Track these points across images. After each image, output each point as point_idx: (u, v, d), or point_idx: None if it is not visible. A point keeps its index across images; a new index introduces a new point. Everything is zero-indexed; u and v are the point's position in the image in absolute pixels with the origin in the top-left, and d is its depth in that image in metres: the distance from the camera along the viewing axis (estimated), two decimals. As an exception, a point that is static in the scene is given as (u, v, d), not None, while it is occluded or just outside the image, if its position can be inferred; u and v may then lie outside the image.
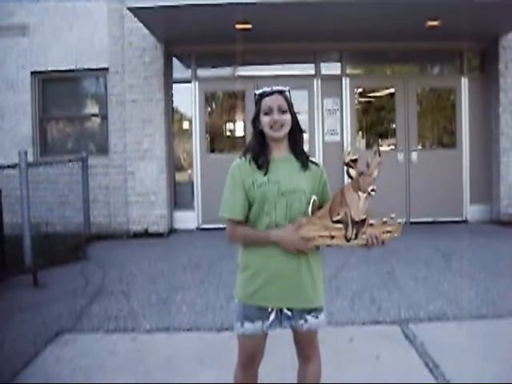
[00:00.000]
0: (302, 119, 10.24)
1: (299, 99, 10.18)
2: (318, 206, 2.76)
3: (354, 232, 2.62)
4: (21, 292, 6.31)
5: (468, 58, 10.59)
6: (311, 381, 2.92)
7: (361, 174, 2.56)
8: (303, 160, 2.76)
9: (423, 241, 8.57)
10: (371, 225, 2.65)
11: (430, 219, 10.26)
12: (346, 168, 2.59)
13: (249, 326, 2.77)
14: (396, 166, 10.29)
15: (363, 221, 2.62)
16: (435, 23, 8.84)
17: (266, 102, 2.72)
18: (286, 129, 2.72)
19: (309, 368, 2.93)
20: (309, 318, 2.76)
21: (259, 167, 2.71)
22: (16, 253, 7.08)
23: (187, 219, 10.29)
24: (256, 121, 2.78)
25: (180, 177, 10.77)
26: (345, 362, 4.17)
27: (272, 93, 2.73)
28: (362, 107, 10.98)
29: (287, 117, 2.71)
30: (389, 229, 2.67)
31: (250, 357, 2.87)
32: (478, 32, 9.66)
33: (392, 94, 10.69)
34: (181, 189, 10.65)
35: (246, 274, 2.79)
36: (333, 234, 2.62)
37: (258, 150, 2.75)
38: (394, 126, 10.73)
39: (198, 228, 10.25)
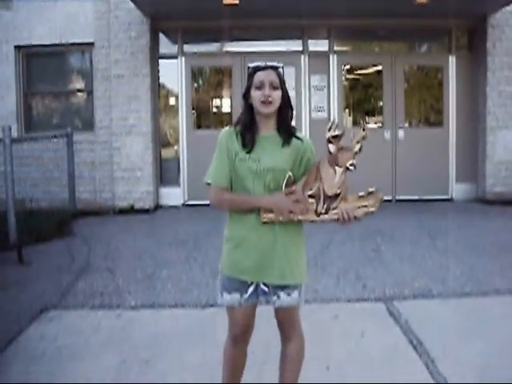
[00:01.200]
0: (290, 95, 10.17)
1: (286, 75, 9.97)
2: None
3: (325, 207, 2.60)
4: (5, 269, 6.26)
5: (456, 37, 10.56)
6: (291, 361, 2.91)
7: (341, 149, 2.52)
8: (285, 136, 2.72)
9: (409, 219, 8.61)
10: (346, 200, 2.61)
11: (415, 197, 10.29)
12: (327, 144, 2.54)
13: (226, 297, 2.78)
14: (382, 144, 10.29)
15: (337, 195, 2.59)
16: (424, 0, 8.78)
17: (259, 76, 2.66)
18: (276, 105, 2.67)
19: (289, 348, 2.91)
20: (281, 294, 2.74)
21: (244, 144, 2.69)
22: (0, 229, 7.03)
23: (173, 195, 10.27)
24: (247, 95, 2.73)
25: (166, 153, 10.72)
26: (329, 339, 4.19)
27: (265, 68, 2.68)
28: (350, 84, 10.95)
29: (278, 93, 2.67)
30: (364, 203, 2.61)
31: (240, 329, 2.86)
32: (466, 10, 9.63)
33: (379, 72, 10.66)
34: (167, 165, 10.61)
35: (229, 246, 2.80)
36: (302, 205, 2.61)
37: (247, 127, 2.72)
38: (381, 103, 10.72)
39: (183, 204, 10.23)
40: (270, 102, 2.64)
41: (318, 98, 10.40)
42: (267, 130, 2.73)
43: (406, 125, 10.64)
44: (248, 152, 2.66)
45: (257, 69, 2.69)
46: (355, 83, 11.05)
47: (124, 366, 3.80)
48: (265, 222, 2.64)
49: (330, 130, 2.53)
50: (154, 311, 4.93)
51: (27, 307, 4.96)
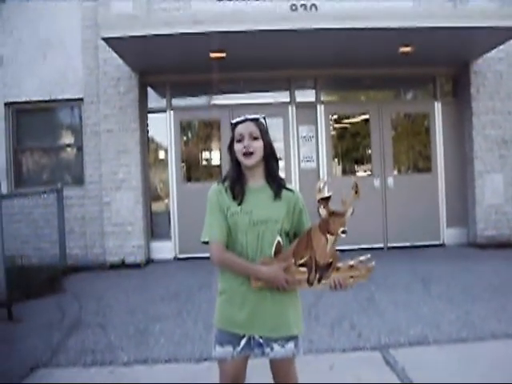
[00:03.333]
0: (278, 147, 10.22)
1: (274, 127, 10.20)
2: (294, 234, 2.77)
3: (318, 277, 2.59)
4: (-5, 326, 6.19)
5: (440, 83, 10.75)
6: None
7: (332, 213, 2.49)
8: (276, 189, 2.74)
9: (402, 265, 8.59)
10: (337, 269, 2.61)
11: (407, 244, 10.28)
12: (317, 206, 2.52)
13: (219, 350, 2.78)
14: (372, 192, 10.33)
15: (329, 264, 2.58)
16: (408, 49, 8.96)
17: (238, 129, 2.74)
18: (258, 156, 2.71)
19: None
20: (275, 346, 2.73)
21: (234, 197, 2.70)
22: (-10, 286, 6.96)
23: (164, 249, 10.22)
24: (231, 149, 2.77)
25: (156, 207, 10.71)
26: (326, 389, 4.14)
27: (244, 120, 2.74)
28: (338, 134, 11.04)
29: (258, 144, 2.71)
30: (356, 273, 2.63)
31: (229, 381, 2.82)
32: (449, 58, 9.86)
33: (367, 120, 10.78)
34: (157, 219, 10.58)
35: (221, 299, 2.81)
36: (296, 277, 2.59)
37: (234, 179, 2.75)
38: (369, 151, 10.79)
39: (175, 258, 10.18)
40: (251, 153, 2.68)
41: (306, 149, 10.47)
42: (256, 182, 2.76)
43: (395, 172, 10.71)
44: (239, 204, 2.68)
45: (237, 123, 2.76)
46: (343, 132, 11.14)
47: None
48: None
49: (319, 191, 2.51)
50: (147, 366, 4.85)
51: (17, 365, 4.87)
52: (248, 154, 2.68)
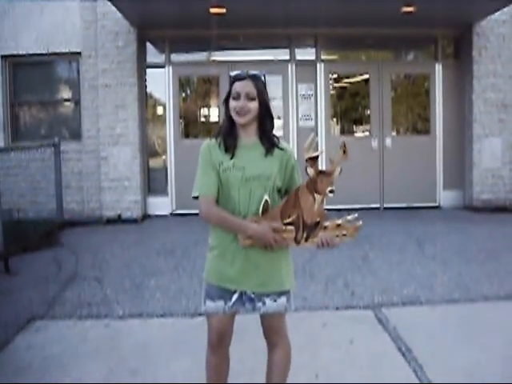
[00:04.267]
0: (277, 104, 10.23)
1: (274, 84, 10.15)
2: (285, 191, 2.77)
3: (305, 235, 2.59)
4: (-8, 279, 6.24)
5: (442, 45, 10.64)
6: (278, 368, 2.91)
7: (319, 173, 2.48)
8: (267, 146, 2.73)
9: (397, 226, 8.63)
10: (325, 227, 2.61)
11: (403, 205, 10.31)
12: (305, 165, 2.51)
13: (210, 305, 2.79)
14: (370, 152, 10.33)
15: (317, 223, 2.58)
16: (410, 9, 8.85)
17: (236, 87, 2.69)
18: (251, 115, 2.68)
19: (275, 355, 2.91)
20: (267, 300, 2.74)
21: (227, 151, 2.70)
22: (-13, 239, 6.99)
23: (161, 205, 10.24)
24: (227, 103, 2.75)
25: (154, 162, 10.70)
26: (318, 346, 4.19)
27: (243, 78, 2.69)
28: (337, 93, 10.99)
29: (253, 104, 2.67)
30: (343, 232, 2.63)
31: (218, 336, 2.85)
32: (452, 19, 9.72)
33: (367, 80, 10.70)
34: (154, 174, 10.59)
35: (213, 254, 2.82)
36: (283, 235, 2.60)
37: (227, 133, 2.74)
38: (368, 112, 10.75)
39: (171, 214, 10.20)
40: (245, 113, 2.65)
41: (305, 107, 10.42)
42: (248, 138, 2.75)
43: (394, 133, 10.68)
44: (231, 158, 2.68)
45: (236, 78, 2.72)
46: (342, 92, 11.09)
47: (112, 376, 3.78)
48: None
49: (308, 150, 2.50)
50: (142, 321, 4.91)
51: (14, 317, 4.92)
52: (242, 114, 2.67)
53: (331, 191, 2.47)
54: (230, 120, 2.75)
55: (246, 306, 2.78)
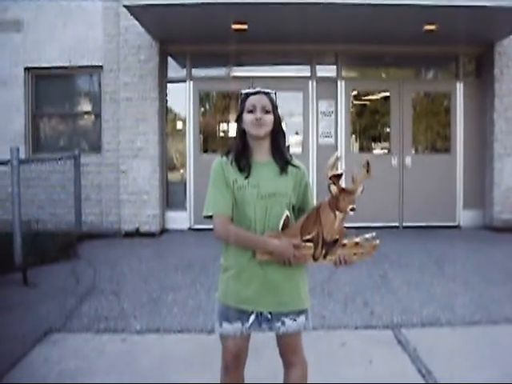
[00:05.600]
0: (297, 121, 10.25)
1: (294, 101, 10.18)
2: (298, 209, 2.75)
3: (323, 253, 2.58)
4: (10, 290, 6.24)
5: (463, 63, 10.57)
6: None
7: (342, 190, 2.48)
8: (282, 164, 2.71)
9: (416, 245, 8.56)
10: (343, 245, 2.60)
11: (422, 224, 10.22)
12: (327, 183, 2.50)
13: (227, 327, 2.75)
14: (390, 170, 10.27)
15: (335, 241, 2.57)
16: (432, 27, 8.82)
17: (251, 100, 2.69)
18: (267, 128, 2.68)
19: (292, 375, 2.87)
20: (286, 320, 2.71)
21: (240, 170, 2.68)
22: (6, 250, 7.01)
23: (179, 219, 10.23)
24: (239, 120, 2.75)
25: (173, 176, 10.71)
26: (337, 366, 4.14)
27: (257, 92, 2.72)
28: (357, 110, 10.96)
29: (270, 117, 2.68)
30: (361, 251, 2.62)
31: (233, 358, 2.83)
32: (473, 37, 9.67)
33: (387, 98, 10.67)
34: (173, 188, 10.59)
35: (227, 276, 2.79)
36: (302, 252, 2.58)
37: (240, 152, 2.72)
38: (388, 129, 10.71)
39: (190, 228, 10.19)
40: (262, 125, 2.64)
41: (325, 124, 10.39)
42: (261, 156, 2.74)
43: (413, 151, 10.61)
44: (246, 177, 2.65)
45: (249, 94, 2.73)
46: (362, 109, 11.06)
47: (128, 392, 3.76)
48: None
49: (332, 168, 2.49)
50: (159, 336, 4.89)
51: (31, 329, 4.93)
52: (259, 125, 2.65)
53: (352, 209, 2.48)
54: (242, 138, 2.74)
55: (262, 327, 2.74)
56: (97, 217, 10.14)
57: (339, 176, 2.49)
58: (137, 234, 9.75)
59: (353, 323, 5.11)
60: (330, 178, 2.48)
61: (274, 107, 2.72)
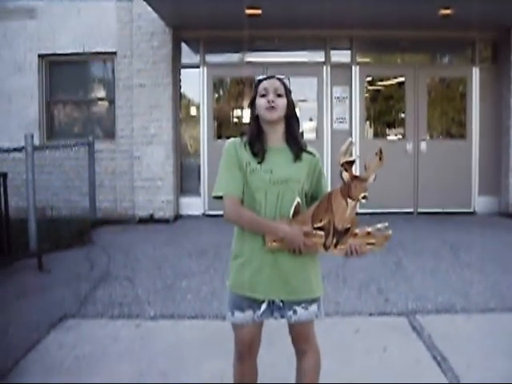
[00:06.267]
0: (311, 107, 10.20)
1: (308, 86, 10.13)
2: (311, 196, 2.72)
3: (334, 242, 2.54)
4: (25, 276, 6.28)
5: (480, 48, 10.47)
6: (308, 376, 2.85)
7: (354, 178, 2.43)
8: (296, 151, 2.68)
9: (431, 232, 8.51)
10: (355, 234, 2.56)
11: (437, 210, 10.17)
12: (340, 169, 2.45)
13: (239, 315, 2.74)
14: (404, 156, 10.21)
15: (347, 230, 2.53)
16: (448, 12, 8.72)
17: (264, 84, 2.67)
18: (281, 112, 2.65)
19: (305, 364, 2.86)
20: (298, 309, 2.69)
21: (254, 154, 2.65)
22: (21, 237, 7.04)
23: (193, 205, 10.24)
24: (253, 105, 2.72)
25: (187, 162, 10.70)
26: (351, 353, 4.13)
27: (270, 77, 2.70)
28: (371, 96, 10.89)
29: (283, 100, 2.65)
30: (372, 241, 2.57)
31: (246, 346, 2.83)
32: (490, 21, 9.54)
33: (401, 83, 10.59)
34: (187, 174, 10.59)
35: (237, 263, 2.75)
36: (313, 240, 2.55)
37: (254, 137, 2.69)
38: (402, 115, 10.65)
39: (204, 214, 10.19)
40: (274, 108, 2.61)
41: (339, 109, 10.33)
42: (275, 142, 2.71)
43: (428, 137, 10.53)
44: (259, 162, 2.62)
45: (262, 79, 2.71)
46: (377, 94, 11.00)
47: (141, 377, 3.77)
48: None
49: (345, 154, 2.44)
50: (173, 322, 4.90)
51: (46, 315, 4.95)
52: (271, 108, 2.62)
53: (364, 197, 2.43)
54: (256, 124, 2.72)
55: (274, 315, 2.72)
56: (111, 203, 10.17)
57: (352, 163, 2.44)
58: (151, 220, 9.77)
59: (367, 310, 5.10)
60: (342, 165, 2.44)
61: (288, 91, 2.69)
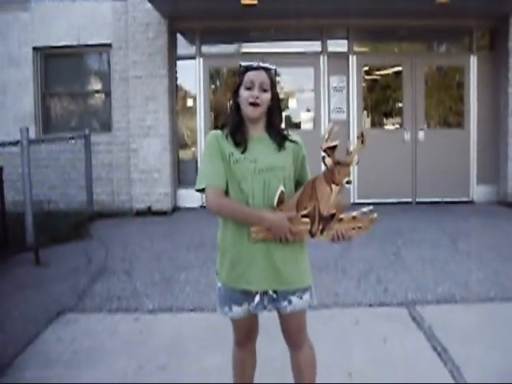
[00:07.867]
0: (308, 97, 10.17)
1: (305, 76, 10.11)
2: (297, 182, 2.69)
3: (320, 228, 2.51)
4: (22, 270, 6.25)
5: (477, 37, 10.42)
6: (306, 370, 2.84)
7: (337, 163, 2.39)
8: (279, 141, 2.64)
9: (429, 221, 8.49)
10: (340, 219, 2.52)
11: (436, 199, 10.16)
12: (322, 155, 2.40)
13: (237, 310, 2.71)
14: (402, 145, 10.18)
15: (332, 215, 2.50)
16: (445, 0, 8.66)
17: (250, 76, 2.60)
18: (263, 108, 2.60)
19: (300, 357, 2.83)
20: (293, 298, 2.65)
21: (236, 144, 2.60)
22: (18, 230, 7.03)
23: (191, 197, 10.17)
24: (236, 93, 2.67)
25: (184, 154, 10.67)
26: (351, 344, 4.10)
27: (257, 68, 2.62)
28: (368, 85, 10.84)
29: (267, 96, 2.59)
30: (359, 225, 2.54)
31: (244, 335, 2.86)
32: (487, 10, 9.51)
33: (399, 73, 10.55)
34: (184, 166, 10.55)
35: (226, 258, 2.70)
36: (299, 227, 2.51)
37: (236, 126, 2.65)
38: (400, 104, 10.62)
39: (201, 206, 10.13)
40: (258, 104, 2.56)
41: (337, 99, 10.29)
42: (257, 132, 2.66)
43: (426, 126, 10.50)
44: (243, 152, 2.58)
45: (248, 68, 2.64)
46: (374, 84, 10.96)
47: (141, 371, 3.75)
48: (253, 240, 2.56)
49: (326, 140, 2.40)
50: (171, 315, 4.87)
51: (44, 309, 4.93)
52: (255, 105, 2.57)
53: (348, 182, 2.39)
54: (237, 112, 2.67)
55: (268, 307, 2.69)
56: (108, 196, 10.14)
57: (334, 148, 2.40)
58: (149, 212, 9.76)
59: (367, 300, 5.07)
60: (325, 151, 2.39)
61: (273, 85, 2.63)
